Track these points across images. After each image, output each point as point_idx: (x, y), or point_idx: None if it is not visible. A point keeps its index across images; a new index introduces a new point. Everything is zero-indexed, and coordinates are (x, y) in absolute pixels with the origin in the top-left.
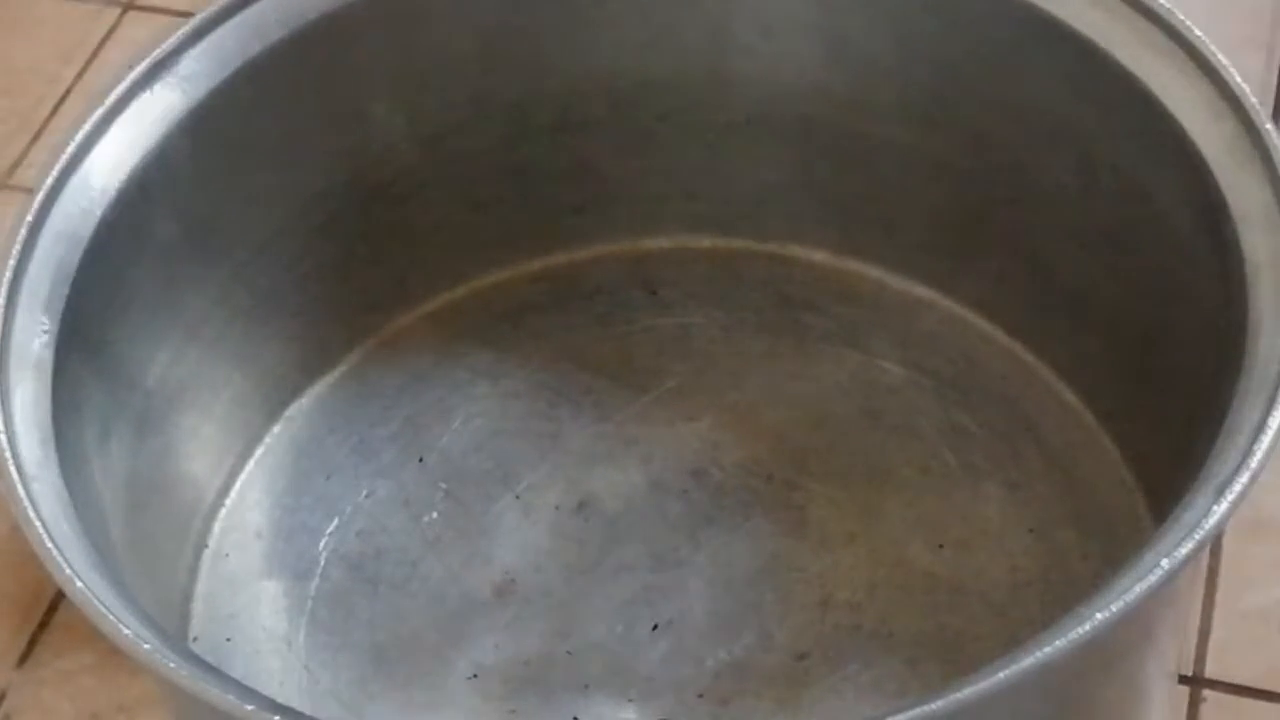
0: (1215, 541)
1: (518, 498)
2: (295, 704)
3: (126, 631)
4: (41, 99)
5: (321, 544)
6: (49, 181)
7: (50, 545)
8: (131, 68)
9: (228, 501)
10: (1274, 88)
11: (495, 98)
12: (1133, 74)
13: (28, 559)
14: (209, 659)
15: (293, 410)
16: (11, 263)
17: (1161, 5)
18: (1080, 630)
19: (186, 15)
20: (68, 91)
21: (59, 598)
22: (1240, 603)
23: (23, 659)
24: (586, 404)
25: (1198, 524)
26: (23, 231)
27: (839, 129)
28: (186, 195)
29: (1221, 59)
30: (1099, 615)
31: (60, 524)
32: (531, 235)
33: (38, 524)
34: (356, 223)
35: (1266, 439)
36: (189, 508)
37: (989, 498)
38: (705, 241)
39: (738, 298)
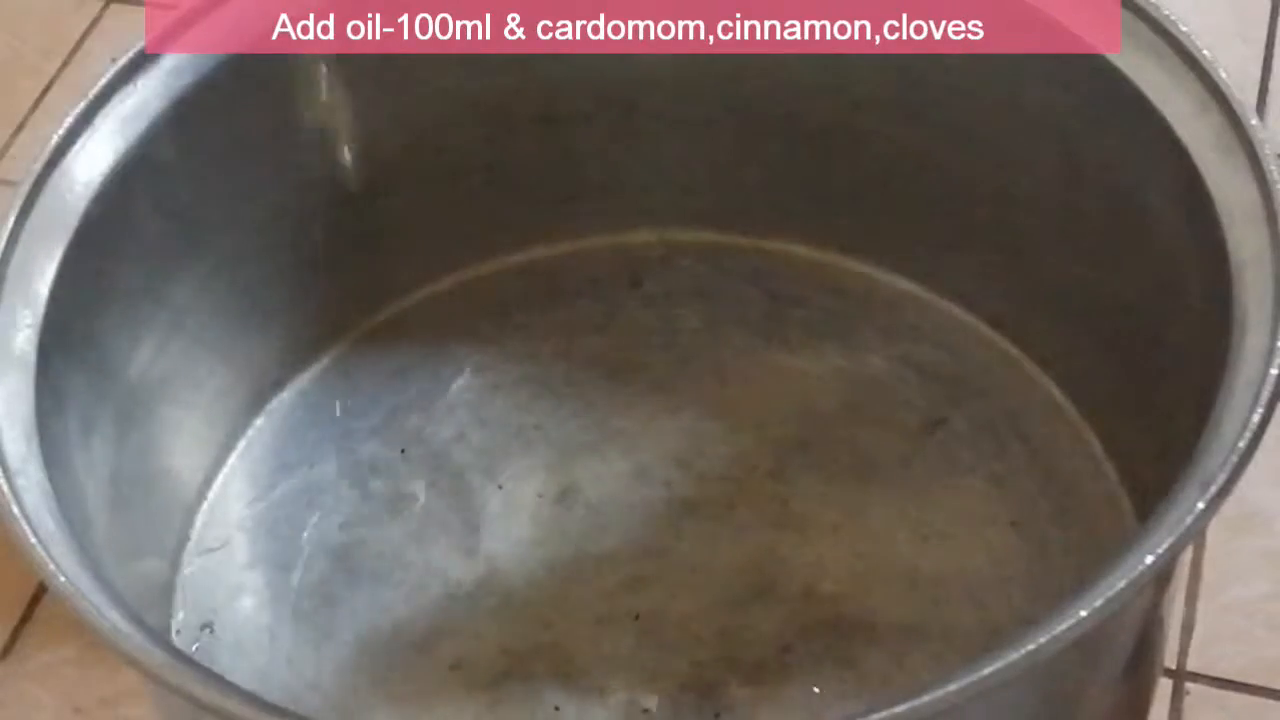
0: (1199, 535)
1: (500, 488)
2: (278, 696)
3: (109, 624)
4: (24, 92)
5: (304, 536)
6: (32, 175)
7: (33, 539)
8: (115, 60)
9: (210, 494)
10: (1259, 81)
11: (480, 90)
12: (1117, 68)
13: (10, 553)
14: (192, 652)
15: (275, 403)
16: None
17: None
18: (1067, 625)
19: (170, 7)
20: (50, 84)
21: (41, 591)
22: (1224, 596)
23: (5, 652)
24: (570, 396)
25: (1182, 519)
26: (6, 225)
27: (824, 123)
28: (170, 188)
29: (1206, 53)
30: (1084, 611)
31: (43, 518)
32: (516, 229)
33: (21, 518)
34: (341, 216)
35: (1251, 435)
36: (171, 500)
37: (972, 491)
38: (690, 235)
39: (722, 291)
